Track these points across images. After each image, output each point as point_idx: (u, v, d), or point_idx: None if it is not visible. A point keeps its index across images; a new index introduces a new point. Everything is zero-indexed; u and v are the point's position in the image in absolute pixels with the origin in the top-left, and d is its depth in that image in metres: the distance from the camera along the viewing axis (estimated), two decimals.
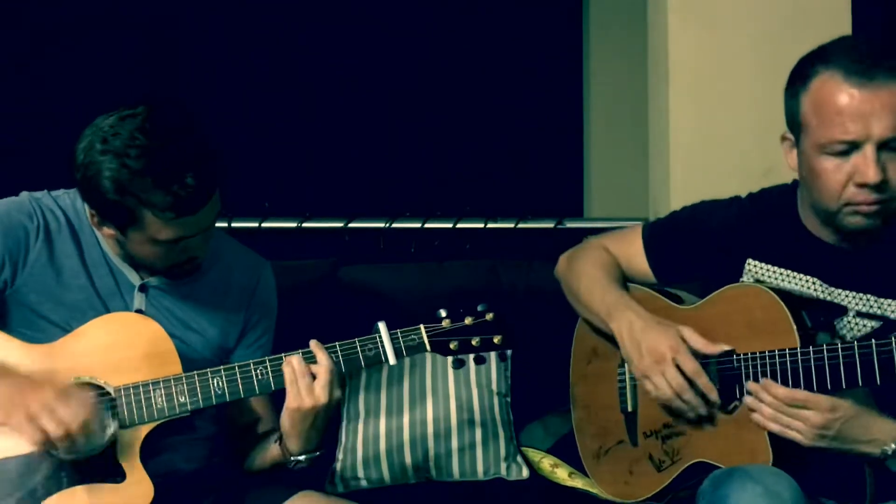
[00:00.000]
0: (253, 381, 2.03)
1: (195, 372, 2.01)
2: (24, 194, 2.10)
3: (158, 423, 1.99)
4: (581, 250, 2.41)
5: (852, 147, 1.95)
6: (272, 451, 2.12)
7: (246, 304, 2.20)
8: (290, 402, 2.01)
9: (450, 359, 2.09)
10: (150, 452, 1.99)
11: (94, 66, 3.89)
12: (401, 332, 2.06)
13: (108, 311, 2.05)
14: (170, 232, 1.96)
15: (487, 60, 4.18)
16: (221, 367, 2.03)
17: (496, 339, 2.09)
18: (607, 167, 4.04)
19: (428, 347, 2.07)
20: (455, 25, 4.20)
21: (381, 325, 2.07)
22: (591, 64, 4.06)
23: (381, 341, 2.05)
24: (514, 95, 4.18)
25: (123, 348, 2.00)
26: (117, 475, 1.95)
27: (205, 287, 2.15)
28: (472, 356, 2.09)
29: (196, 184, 1.92)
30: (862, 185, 1.95)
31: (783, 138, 2.09)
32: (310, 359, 2.02)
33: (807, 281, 2.10)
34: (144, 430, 1.98)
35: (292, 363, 2.01)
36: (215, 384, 2.01)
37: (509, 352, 2.70)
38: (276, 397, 2.10)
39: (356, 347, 2.05)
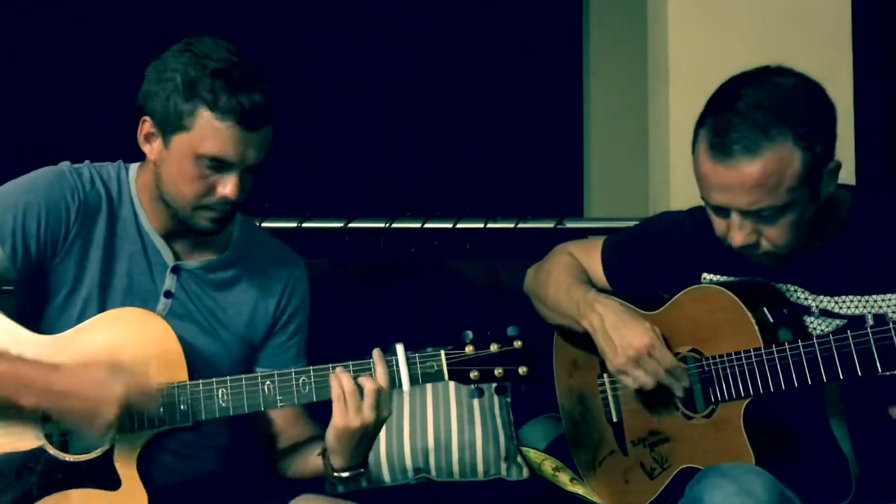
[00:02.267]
0: (259, 396, 1.96)
1: (200, 381, 1.95)
2: (64, 165, 2.05)
3: (158, 431, 1.94)
4: (545, 260, 2.42)
5: (724, 209, 1.96)
6: (313, 462, 2.05)
7: (276, 302, 2.14)
8: (337, 420, 1.92)
9: (469, 386, 1.99)
10: (154, 458, 1.97)
11: (94, 65, 3.89)
12: (419, 358, 1.97)
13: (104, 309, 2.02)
14: (215, 143, 1.90)
15: (487, 60, 4.17)
16: (227, 378, 1.96)
17: (521, 371, 1.97)
18: (607, 167, 4.03)
19: (446, 376, 1.97)
20: (455, 25, 4.20)
21: (399, 348, 1.97)
22: (591, 64, 4.06)
23: (397, 366, 1.96)
24: (514, 95, 4.18)
25: (130, 347, 1.95)
26: (112, 482, 1.92)
27: (236, 277, 2.11)
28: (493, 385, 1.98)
29: (261, 103, 1.89)
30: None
31: None
32: (358, 371, 1.95)
33: None
34: (143, 437, 1.94)
35: (341, 380, 1.93)
36: (220, 395, 1.95)
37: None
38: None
39: (370, 369, 1.96)
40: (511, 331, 1.99)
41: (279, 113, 1.96)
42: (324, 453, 2.00)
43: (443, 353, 1.98)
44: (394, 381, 1.95)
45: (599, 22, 4.05)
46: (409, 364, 1.96)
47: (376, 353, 1.96)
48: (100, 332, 1.97)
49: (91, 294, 2.02)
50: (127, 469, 1.93)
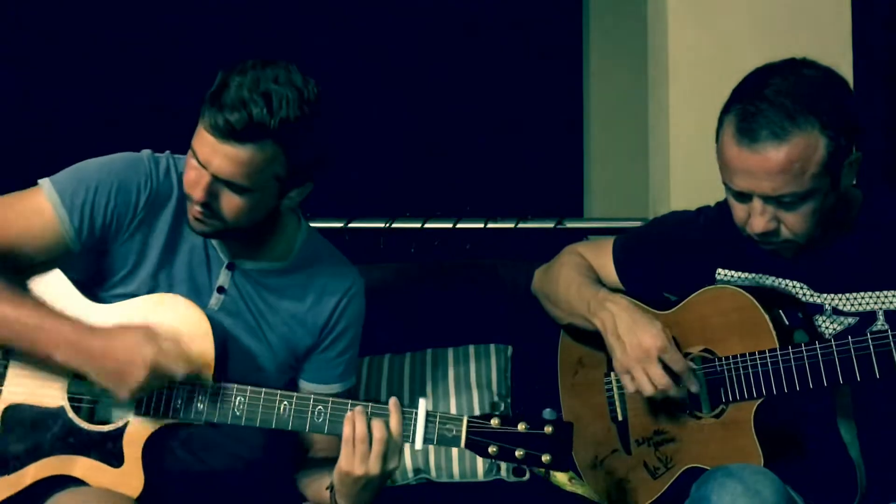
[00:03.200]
0: (273, 413, 1.95)
1: (221, 384, 1.96)
2: (145, 152, 2.07)
3: (169, 423, 1.96)
4: (554, 260, 2.42)
5: (745, 195, 1.98)
6: (321, 492, 2.03)
7: (327, 317, 2.14)
8: (342, 464, 1.90)
9: (485, 458, 1.93)
10: (169, 450, 1.99)
11: (97, 64, 3.90)
12: (440, 418, 1.92)
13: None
14: (197, 138, 1.92)
15: (487, 60, 4.18)
16: (248, 387, 1.96)
17: (544, 459, 1.89)
18: (607, 167, 4.03)
19: (463, 444, 1.91)
20: (455, 26, 4.20)
21: (422, 404, 1.92)
22: (591, 64, 4.06)
23: (415, 421, 1.91)
24: (514, 95, 4.19)
25: (166, 332, 1.95)
26: (117, 459, 1.94)
27: (292, 285, 2.12)
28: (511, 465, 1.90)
29: (240, 124, 1.86)
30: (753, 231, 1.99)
31: None
32: (376, 414, 1.91)
33: (778, 283, 2.10)
34: (155, 425, 1.96)
35: (355, 423, 1.89)
36: (237, 403, 1.95)
37: (510, 349, 2.70)
38: None
39: (387, 416, 1.92)
40: (547, 414, 1.92)
41: (283, 158, 1.93)
42: (332, 488, 1.97)
43: (465, 419, 1.92)
44: (407, 435, 1.92)
45: (599, 22, 4.05)
46: (428, 422, 1.92)
47: (393, 401, 1.93)
48: (142, 310, 1.99)
49: (146, 279, 2.04)
50: (132, 450, 1.95)
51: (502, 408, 1.94)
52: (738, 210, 2.01)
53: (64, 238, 1.99)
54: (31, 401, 1.98)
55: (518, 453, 1.89)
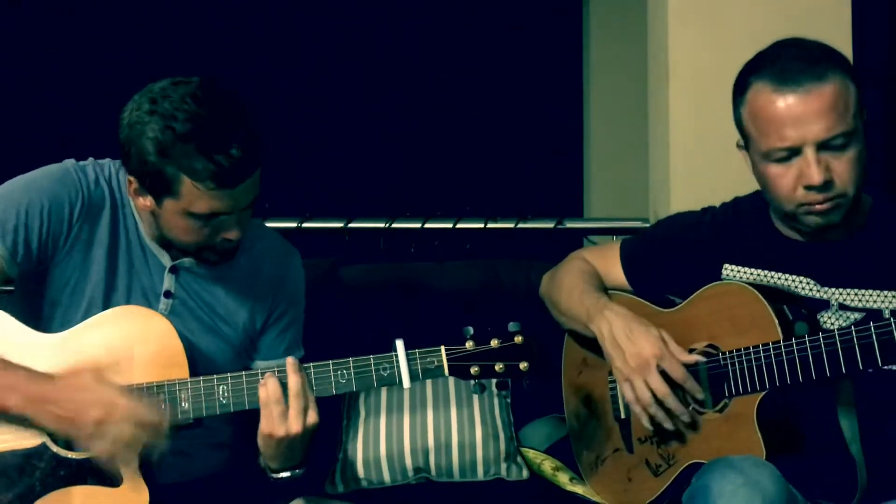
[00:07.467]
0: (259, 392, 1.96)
1: (201, 378, 1.96)
2: (69, 162, 2.04)
3: None
4: (561, 265, 2.43)
5: (793, 152, 1.98)
6: (260, 462, 2.07)
7: (273, 293, 2.15)
8: (263, 426, 1.94)
9: (471, 382, 2.00)
10: (156, 456, 1.96)
11: (97, 63, 3.90)
12: (419, 354, 1.98)
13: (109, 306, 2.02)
14: (205, 204, 1.90)
15: (487, 60, 4.18)
16: (228, 374, 1.97)
17: (522, 366, 1.98)
18: (607, 167, 4.04)
19: (446, 372, 1.98)
20: (455, 25, 4.20)
21: (399, 344, 1.97)
22: (591, 64, 4.06)
23: (398, 362, 1.97)
24: (514, 95, 4.19)
25: (132, 345, 1.97)
26: (114, 479, 1.93)
27: (234, 272, 2.11)
28: (493, 381, 1.99)
29: (240, 156, 1.86)
30: (809, 188, 1.98)
31: (738, 146, 2.12)
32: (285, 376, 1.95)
33: (786, 279, 2.11)
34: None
35: (268, 386, 1.93)
36: (220, 392, 1.96)
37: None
38: None
39: (370, 366, 1.98)
40: (512, 326, 2.00)
41: (265, 150, 1.93)
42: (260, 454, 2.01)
43: (443, 348, 1.98)
44: (394, 376, 1.96)
45: (599, 22, 4.05)
46: (409, 360, 1.97)
47: (289, 360, 1.97)
48: (102, 330, 1.97)
49: (95, 293, 2.02)
50: (128, 466, 1.93)
51: (471, 333, 1.99)
52: (784, 178, 2.01)
53: (0, 265, 1.95)
54: (9, 447, 1.93)
55: (498, 367, 1.98)
